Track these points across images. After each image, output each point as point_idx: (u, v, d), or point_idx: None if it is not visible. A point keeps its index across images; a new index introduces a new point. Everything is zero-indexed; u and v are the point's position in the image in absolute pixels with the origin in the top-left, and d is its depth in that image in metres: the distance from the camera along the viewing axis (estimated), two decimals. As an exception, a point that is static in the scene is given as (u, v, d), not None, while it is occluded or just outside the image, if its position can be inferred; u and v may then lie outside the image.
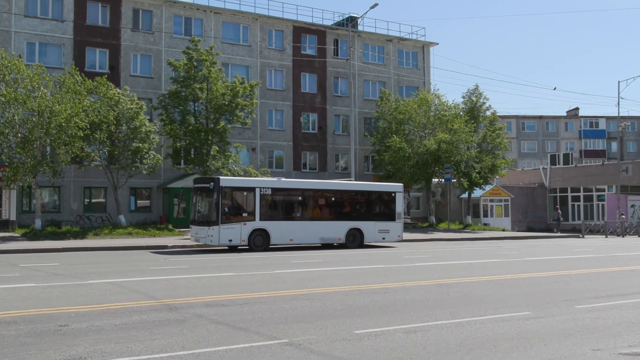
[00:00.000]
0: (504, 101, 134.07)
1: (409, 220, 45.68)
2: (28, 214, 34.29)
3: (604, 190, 51.41)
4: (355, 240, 26.41)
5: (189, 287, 12.89)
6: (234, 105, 34.63)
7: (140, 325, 8.70)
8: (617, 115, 53.69)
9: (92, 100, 31.75)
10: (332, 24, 47.69)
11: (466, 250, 26.29)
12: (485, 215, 49.02)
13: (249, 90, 35.40)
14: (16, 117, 28.81)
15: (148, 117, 34.64)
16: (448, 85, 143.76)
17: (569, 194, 53.51)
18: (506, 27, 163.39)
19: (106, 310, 9.89)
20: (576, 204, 52.94)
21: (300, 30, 45.29)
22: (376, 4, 33.62)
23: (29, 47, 36.35)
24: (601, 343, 7.83)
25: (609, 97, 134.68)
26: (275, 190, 24.94)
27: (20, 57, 31.27)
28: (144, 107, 33.78)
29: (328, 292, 12.03)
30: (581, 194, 52.62)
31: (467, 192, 46.31)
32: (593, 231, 44.52)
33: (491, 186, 48.07)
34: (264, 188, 24.50)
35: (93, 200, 37.68)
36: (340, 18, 49.08)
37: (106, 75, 34.42)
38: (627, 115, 78.57)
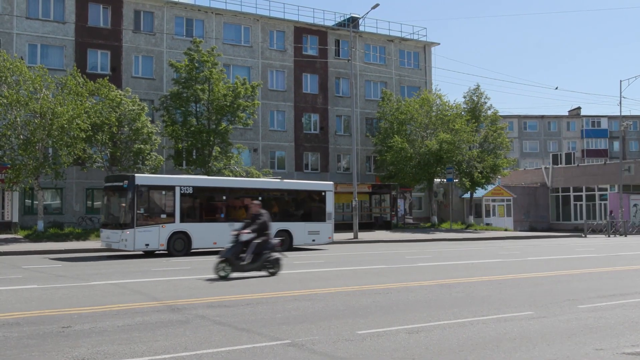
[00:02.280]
0: (506, 101, 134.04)
1: (411, 221, 45.71)
2: (30, 216, 34.32)
3: (606, 189, 51.37)
4: (283, 243, 23.81)
5: (191, 288, 12.90)
6: (235, 106, 34.67)
7: (142, 327, 8.70)
8: (619, 114, 53.64)
9: (94, 101, 31.79)
10: (334, 25, 47.71)
11: (468, 250, 26.27)
12: (488, 215, 49.00)
13: (250, 91, 35.44)
14: (18, 119, 28.85)
15: (150, 119, 34.67)
16: (449, 85, 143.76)
17: (571, 194, 53.45)
18: (507, 26, 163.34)
19: (109, 311, 9.90)
20: (578, 203, 52.88)
21: (302, 31, 45.31)
22: (377, 5, 33.57)
23: (30, 49, 36.41)
24: (604, 343, 7.82)
25: (611, 96, 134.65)
26: (197, 189, 23.20)
27: (22, 59, 31.33)
28: (146, 108, 33.82)
29: (330, 293, 12.02)
30: (583, 193, 52.57)
31: (469, 192, 46.30)
32: (595, 231, 44.48)
33: (493, 186, 48.05)
34: (184, 187, 22.65)
35: (95, 202, 37.67)
36: (342, 18, 49.14)
37: (108, 77, 34.48)
38: (629, 114, 78.48)
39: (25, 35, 36.23)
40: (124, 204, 21.75)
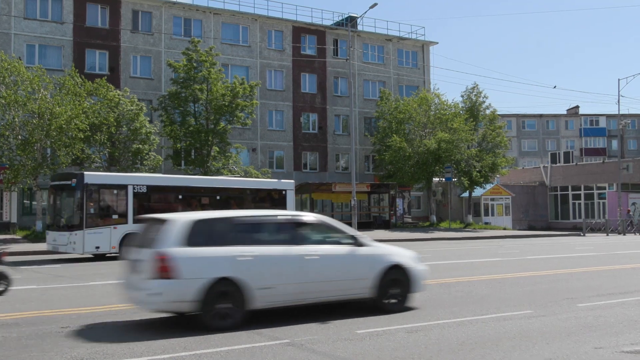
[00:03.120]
0: (504, 100, 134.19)
1: (410, 220, 45.72)
2: (29, 216, 34.28)
3: (604, 188, 51.41)
4: None
5: (190, 288, 12.86)
6: (234, 106, 34.67)
7: (141, 326, 8.69)
8: (617, 113, 53.70)
9: (92, 101, 31.77)
10: (332, 24, 47.71)
11: (467, 249, 26.27)
12: (486, 214, 49.02)
13: (249, 91, 35.43)
14: (16, 119, 28.82)
15: (148, 119, 34.66)
16: (448, 85, 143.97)
17: (570, 192, 53.49)
18: (506, 25, 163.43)
19: (108, 311, 9.89)
20: (577, 202, 52.92)
21: (300, 31, 45.30)
22: (375, 4, 33.55)
23: (28, 49, 36.37)
24: (603, 341, 7.82)
25: (609, 95, 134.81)
26: (151, 188, 22.03)
27: (20, 59, 31.29)
28: (144, 108, 33.81)
29: (329, 292, 11.99)
30: (582, 192, 52.61)
31: (467, 191, 46.30)
32: (594, 229, 44.52)
33: (492, 185, 48.06)
34: (138, 185, 21.48)
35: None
36: (340, 18, 49.15)
37: (106, 77, 34.45)
38: (627, 113, 78.58)
39: (23, 36, 36.18)
40: (72, 204, 20.59)
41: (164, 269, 8.35)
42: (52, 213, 21.71)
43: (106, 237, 20.47)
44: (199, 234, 8.80)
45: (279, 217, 10.26)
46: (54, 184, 21.78)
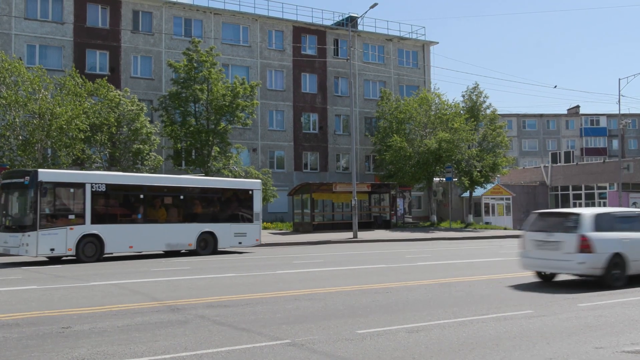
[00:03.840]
0: (505, 100, 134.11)
1: (410, 220, 45.71)
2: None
3: (605, 188, 51.40)
4: (207, 246, 22.81)
5: (190, 288, 12.90)
6: (234, 106, 34.68)
7: (142, 327, 8.70)
8: (618, 112, 53.67)
9: (93, 102, 31.78)
10: (332, 24, 47.73)
11: (468, 249, 26.27)
12: (487, 214, 49.01)
13: (249, 91, 35.44)
14: (17, 120, 28.83)
15: (149, 119, 34.68)
16: (448, 84, 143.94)
17: (571, 192, 53.47)
18: (506, 25, 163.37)
19: (108, 312, 9.90)
20: (578, 202, 52.89)
21: (300, 31, 45.31)
22: (376, 4, 33.54)
23: (29, 49, 36.40)
24: (604, 341, 7.82)
25: (609, 94, 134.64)
26: (111, 187, 20.77)
27: (21, 60, 31.29)
28: (145, 108, 33.82)
29: (330, 292, 12.03)
30: (583, 192, 52.59)
31: (468, 191, 46.30)
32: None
33: (492, 185, 48.05)
34: (96, 184, 20.22)
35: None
36: (340, 18, 49.18)
37: (106, 77, 34.48)
38: (628, 112, 78.56)
39: (23, 36, 36.21)
40: (25, 204, 19.46)
41: (586, 246, 12.46)
42: (3, 213, 20.10)
43: (62, 239, 19.26)
44: (599, 223, 12.88)
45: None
46: (5, 182, 20.40)
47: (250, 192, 24.65)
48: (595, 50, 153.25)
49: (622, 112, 53.39)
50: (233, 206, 24.43)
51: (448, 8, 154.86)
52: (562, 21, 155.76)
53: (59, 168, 30.31)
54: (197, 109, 35.31)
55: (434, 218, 44.76)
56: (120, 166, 32.73)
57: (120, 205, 21.55)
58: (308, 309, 10.14)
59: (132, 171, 33.24)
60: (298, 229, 37.50)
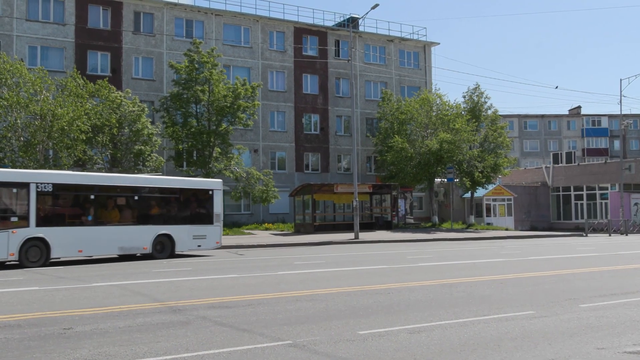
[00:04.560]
0: (506, 100, 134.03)
1: (412, 221, 45.71)
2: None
3: (607, 188, 51.35)
4: (164, 249, 21.66)
5: (192, 289, 12.90)
6: (235, 107, 34.71)
7: (144, 328, 8.70)
8: (619, 113, 53.62)
9: (94, 103, 31.84)
10: (333, 25, 47.75)
11: (469, 250, 26.25)
12: (488, 215, 48.98)
13: (250, 92, 35.47)
14: (18, 121, 28.87)
15: (150, 120, 34.72)
16: (449, 85, 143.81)
17: (572, 193, 53.44)
18: (507, 26, 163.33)
19: (110, 312, 9.90)
20: (579, 202, 52.87)
21: (302, 32, 45.33)
22: (377, 5, 33.55)
23: (30, 50, 36.46)
24: (605, 342, 7.81)
25: (611, 95, 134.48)
26: (58, 187, 19.42)
27: (22, 61, 31.35)
28: (146, 109, 33.86)
29: (331, 293, 12.02)
30: (584, 192, 52.55)
31: (469, 192, 46.29)
32: (596, 230, 44.46)
33: (494, 185, 48.04)
34: (42, 183, 18.92)
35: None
36: (341, 19, 49.21)
37: (108, 78, 34.52)
38: (629, 113, 78.52)
39: (25, 37, 36.26)
40: None
41: None
42: None
43: (3, 243, 17.89)
44: None
45: None
46: None
47: (210, 192, 23.42)
48: (597, 51, 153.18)
49: (623, 112, 53.36)
50: (192, 207, 23.29)
51: (449, 9, 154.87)
52: (564, 21, 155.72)
53: (61, 169, 30.41)
54: (198, 110, 35.34)
55: (436, 219, 44.75)
56: (121, 167, 32.78)
57: (69, 206, 20.22)
58: (309, 310, 10.14)
59: (134, 172, 33.28)
60: (299, 229, 37.50)
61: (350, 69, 37.07)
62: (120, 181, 21.98)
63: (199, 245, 22.81)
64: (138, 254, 21.56)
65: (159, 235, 21.53)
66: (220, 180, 25.11)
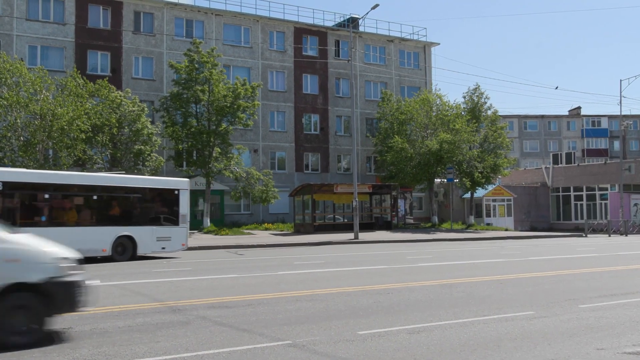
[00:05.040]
0: (506, 101, 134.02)
1: (411, 221, 45.71)
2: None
3: (606, 189, 51.36)
4: (125, 251, 20.69)
5: (192, 289, 12.89)
6: (235, 106, 34.72)
7: (143, 328, 8.70)
8: (619, 114, 53.63)
9: (94, 103, 31.86)
10: (333, 25, 47.75)
11: (469, 250, 26.26)
12: (488, 215, 48.99)
13: (250, 92, 35.49)
14: (18, 121, 28.87)
15: (150, 120, 34.73)
16: (449, 85, 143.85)
17: (572, 193, 53.44)
18: (507, 26, 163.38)
19: (109, 312, 9.90)
20: (579, 203, 52.87)
21: (302, 32, 45.33)
22: (377, 5, 33.56)
23: (30, 50, 36.46)
24: (605, 342, 7.81)
25: (611, 95, 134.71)
26: (9, 185, 18.43)
27: (22, 61, 31.36)
28: (146, 109, 33.88)
29: (331, 293, 12.02)
30: (584, 193, 52.56)
31: (469, 192, 46.29)
32: (596, 230, 44.47)
33: (493, 186, 48.04)
34: None
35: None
36: (341, 19, 49.21)
37: (108, 78, 34.54)
38: (629, 113, 78.47)
39: (25, 37, 36.26)
40: None
41: None
42: None
43: None
44: None
45: None
46: None
47: (176, 192, 22.41)
48: (597, 51, 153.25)
49: (623, 113, 53.35)
50: (156, 207, 22.33)
51: (449, 9, 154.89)
52: (564, 22, 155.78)
53: (60, 169, 30.42)
54: (198, 110, 35.35)
55: (435, 219, 44.76)
56: (121, 167, 32.78)
57: (22, 206, 19.14)
58: (309, 310, 10.14)
59: (134, 172, 33.26)
60: (299, 230, 37.50)
61: (350, 69, 37.06)
62: (77, 180, 20.71)
63: (163, 248, 21.81)
64: (98, 257, 20.34)
65: (120, 237, 20.58)
66: (187, 179, 24.05)
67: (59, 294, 7.76)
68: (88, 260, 19.01)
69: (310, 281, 14.22)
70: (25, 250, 7.79)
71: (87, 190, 20.52)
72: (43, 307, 7.68)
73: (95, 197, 20.57)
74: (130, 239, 20.87)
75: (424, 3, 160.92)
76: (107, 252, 20.30)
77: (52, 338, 7.83)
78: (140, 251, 21.19)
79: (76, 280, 7.95)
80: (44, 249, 7.97)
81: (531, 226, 51.67)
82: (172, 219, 22.29)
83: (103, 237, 20.24)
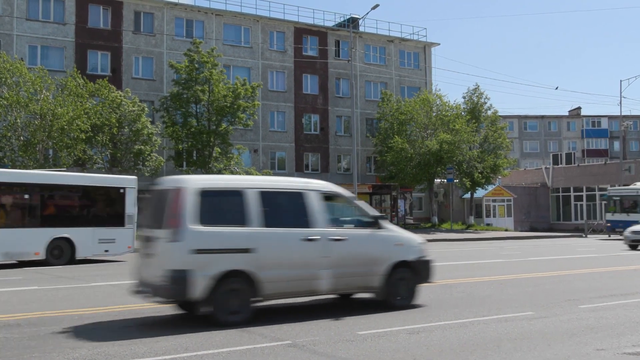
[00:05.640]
0: (506, 101, 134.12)
1: (411, 221, 45.72)
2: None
3: (606, 189, 51.32)
4: (62, 255, 18.97)
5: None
6: (235, 107, 34.72)
7: (143, 327, 8.70)
8: (619, 114, 53.65)
9: (94, 102, 31.87)
10: (334, 25, 47.73)
11: (469, 250, 26.25)
12: (488, 216, 48.99)
13: (250, 92, 35.48)
14: (18, 121, 28.88)
15: (150, 120, 34.73)
16: (449, 86, 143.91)
17: (572, 194, 53.45)
18: (507, 26, 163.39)
19: (110, 312, 9.90)
20: (579, 203, 52.87)
21: (302, 32, 45.33)
22: (377, 5, 33.61)
23: (30, 50, 36.45)
24: (605, 343, 7.81)
25: (611, 96, 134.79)
26: None
27: (22, 60, 31.36)
28: (146, 109, 33.88)
29: (331, 293, 12.01)
30: (584, 193, 52.56)
31: (469, 193, 46.30)
32: (596, 231, 44.46)
33: (493, 186, 48.05)
34: None
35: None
36: (342, 19, 49.19)
37: (108, 78, 34.54)
38: (629, 114, 78.45)
39: (25, 37, 36.26)
40: None
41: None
42: None
43: None
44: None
45: None
46: None
47: (121, 190, 20.68)
48: (597, 52, 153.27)
49: (623, 113, 53.40)
50: (98, 207, 20.66)
51: (449, 9, 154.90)
52: (564, 22, 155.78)
53: (60, 169, 30.41)
54: (198, 110, 35.35)
55: (435, 219, 44.76)
56: (121, 167, 32.81)
57: None
58: (309, 309, 10.14)
59: (134, 172, 33.29)
60: (299, 230, 37.44)
61: (351, 69, 37.09)
62: (5, 177, 18.86)
63: (106, 251, 20.08)
64: (32, 261, 18.80)
65: (56, 239, 18.89)
66: (134, 177, 22.37)
67: (422, 269, 10.58)
68: (22, 264, 18.79)
69: (310, 281, 14.19)
70: (405, 237, 10.66)
71: (17, 188, 18.85)
72: (414, 278, 10.45)
73: (26, 197, 18.88)
74: (68, 241, 19.19)
75: (424, 3, 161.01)
76: (41, 255, 18.62)
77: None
78: (80, 254, 19.49)
79: (430, 259, 10.81)
80: (413, 236, 10.91)
81: (531, 226, 51.67)
82: (117, 220, 20.47)
83: (36, 239, 18.51)
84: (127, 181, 21.34)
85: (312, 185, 9.95)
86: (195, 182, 9.03)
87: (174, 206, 8.60)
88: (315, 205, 9.58)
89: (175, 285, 8.42)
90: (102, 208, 20.86)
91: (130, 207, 20.74)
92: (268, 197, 9.24)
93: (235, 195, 9.08)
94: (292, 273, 9.25)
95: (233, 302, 8.72)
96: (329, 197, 10.02)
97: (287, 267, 9.20)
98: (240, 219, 8.92)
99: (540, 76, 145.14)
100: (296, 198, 9.60)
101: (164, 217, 8.74)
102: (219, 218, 8.94)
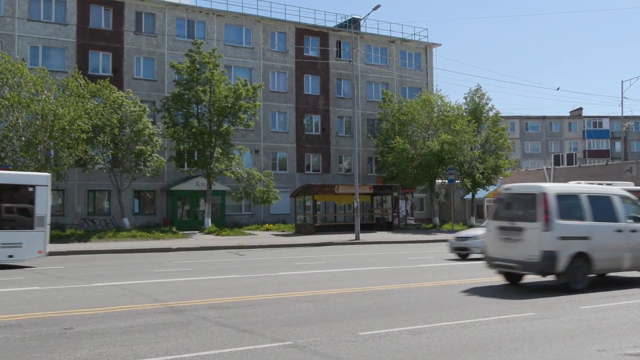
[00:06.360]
0: (507, 102, 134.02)
1: (412, 222, 45.68)
2: (32, 217, 34.26)
3: (607, 190, 51.26)
4: None
5: (193, 289, 12.90)
6: (237, 107, 34.72)
7: (144, 328, 8.71)
8: (620, 115, 53.57)
9: (95, 103, 31.87)
10: (335, 26, 47.73)
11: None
12: (489, 216, 48.90)
13: (251, 92, 35.48)
14: (20, 121, 28.89)
15: (151, 120, 34.74)
16: (451, 86, 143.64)
17: (573, 194, 53.27)
18: (508, 27, 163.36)
19: (111, 313, 9.90)
20: (580, 204, 52.69)
21: (303, 32, 45.33)
22: (378, 6, 33.54)
23: (32, 50, 36.48)
24: (606, 343, 7.80)
25: (612, 97, 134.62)
26: None
27: (24, 61, 31.37)
28: (147, 109, 33.89)
29: (332, 294, 12.02)
30: (585, 194, 52.38)
31: (470, 193, 46.24)
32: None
33: (495, 187, 47.94)
34: None
35: (97, 203, 37.80)
36: (343, 20, 49.18)
37: (109, 78, 34.54)
38: (630, 115, 78.38)
39: (26, 37, 36.28)
40: None
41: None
42: None
43: None
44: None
45: None
46: None
47: (30, 189, 18.53)
48: (598, 52, 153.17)
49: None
50: (1, 208, 18.36)
51: (450, 10, 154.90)
52: (565, 23, 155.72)
53: (61, 169, 30.43)
54: (199, 111, 35.36)
55: (436, 220, 44.73)
56: (122, 167, 32.82)
57: None
58: (310, 311, 10.14)
59: (135, 172, 33.30)
60: (300, 230, 37.49)
61: (352, 69, 37.06)
62: None
63: (11, 256, 17.81)
64: None
65: None
66: (47, 174, 19.99)
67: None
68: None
69: (311, 282, 14.22)
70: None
71: None
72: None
73: None
74: None
75: (425, 4, 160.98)
76: None
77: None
78: None
79: None
80: None
81: (532, 227, 51.55)
82: (25, 221, 18.49)
83: None
84: (39, 178, 19.06)
85: (614, 190, 13.84)
86: (553, 188, 12.84)
87: (545, 206, 12.16)
88: (618, 205, 13.23)
89: (547, 262, 12.09)
90: (7, 208, 18.62)
91: (42, 207, 18.51)
92: (593, 200, 12.90)
93: (575, 198, 12.82)
94: (610, 255, 12.87)
95: (579, 275, 12.37)
96: (624, 199, 13.48)
97: (608, 250, 12.80)
98: (579, 215, 12.62)
99: (541, 77, 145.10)
100: (607, 200, 13.23)
101: (536, 213, 12.30)
102: (568, 214, 12.46)
